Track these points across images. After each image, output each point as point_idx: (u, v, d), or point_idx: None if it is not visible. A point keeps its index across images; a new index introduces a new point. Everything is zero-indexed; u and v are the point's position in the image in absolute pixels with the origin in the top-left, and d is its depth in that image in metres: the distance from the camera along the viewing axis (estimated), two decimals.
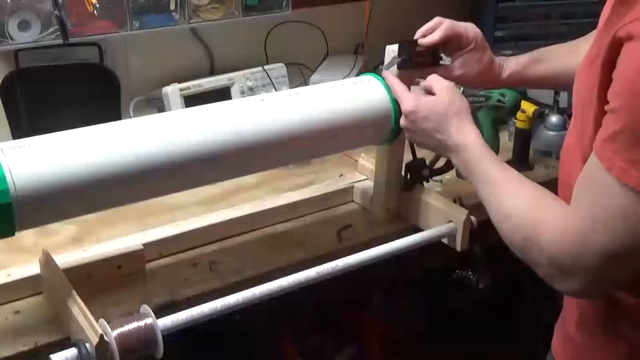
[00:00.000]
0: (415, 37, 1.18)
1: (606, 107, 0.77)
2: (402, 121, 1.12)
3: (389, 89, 1.18)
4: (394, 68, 1.18)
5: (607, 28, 0.81)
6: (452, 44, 1.17)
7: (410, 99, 1.10)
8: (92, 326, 0.88)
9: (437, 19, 1.17)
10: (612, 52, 0.77)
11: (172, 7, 1.60)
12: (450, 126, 1.05)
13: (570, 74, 1.13)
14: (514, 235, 0.90)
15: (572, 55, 1.15)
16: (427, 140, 1.09)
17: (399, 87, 1.14)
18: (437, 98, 1.08)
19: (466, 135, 1.03)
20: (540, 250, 0.84)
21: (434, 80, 1.10)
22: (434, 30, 1.16)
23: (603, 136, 0.77)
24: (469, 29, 1.16)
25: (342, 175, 1.46)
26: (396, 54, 1.17)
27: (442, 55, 1.21)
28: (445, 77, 1.18)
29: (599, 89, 0.79)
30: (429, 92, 1.10)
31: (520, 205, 0.90)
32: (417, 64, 1.17)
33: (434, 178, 1.35)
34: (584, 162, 0.82)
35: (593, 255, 0.78)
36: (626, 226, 0.75)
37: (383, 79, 1.19)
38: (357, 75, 1.59)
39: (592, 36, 1.11)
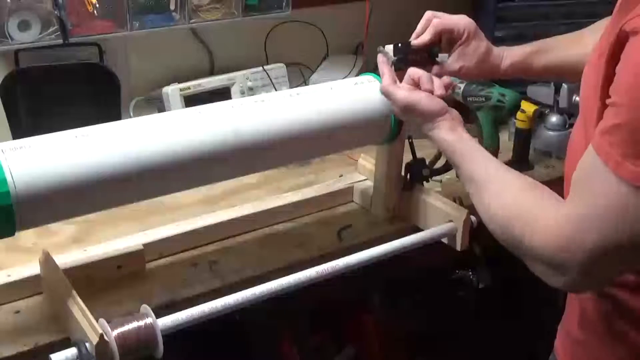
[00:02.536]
0: (410, 40, 1.18)
1: (607, 101, 0.77)
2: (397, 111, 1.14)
3: None
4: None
5: (615, 23, 0.81)
6: (445, 39, 1.16)
7: (402, 92, 1.11)
8: (92, 326, 0.88)
9: (428, 15, 1.17)
10: (617, 46, 0.77)
11: (172, 7, 1.60)
12: (424, 130, 1.08)
13: (572, 65, 1.13)
14: (502, 234, 0.89)
15: (575, 46, 1.14)
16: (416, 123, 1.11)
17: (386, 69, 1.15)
18: (399, 113, 1.11)
19: (437, 137, 1.05)
20: (530, 247, 0.83)
21: (392, 98, 1.12)
22: (425, 28, 1.16)
23: (601, 128, 0.76)
24: (460, 21, 1.16)
25: (342, 175, 1.46)
26: (391, 53, 1.17)
27: (439, 54, 1.20)
28: (444, 74, 1.18)
29: (603, 84, 0.79)
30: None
31: (507, 203, 0.89)
32: (413, 63, 1.16)
33: (434, 178, 1.35)
34: None
35: (589, 249, 0.77)
36: (620, 220, 0.75)
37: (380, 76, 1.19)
38: (357, 75, 1.59)
39: (597, 27, 1.11)
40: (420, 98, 1.08)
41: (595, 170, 0.77)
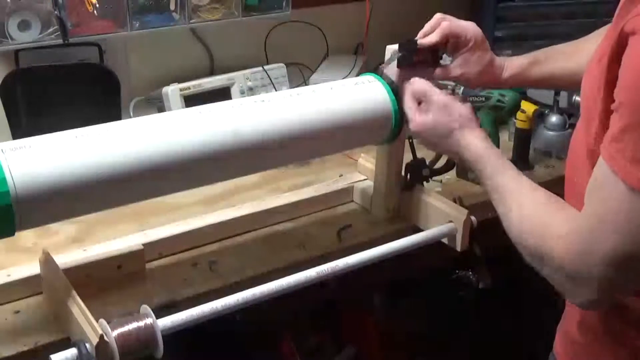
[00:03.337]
0: (416, 38, 1.18)
1: (612, 106, 0.77)
2: (416, 137, 1.14)
3: (389, 89, 1.18)
4: (394, 64, 1.18)
5: (616, 24, 0.81)
6: (451, 43, 1.17)
7: (413, 119, 1.11)
8: (92, 326, 0.88)
9: (437, 17, 1.17)
10: (618, 48, 0.77)
11: (172, 7, 1.60)
12: (454, 140, 1.06)
13: (570, 76, 1.14)
14: (525, 247, 0.89)
15: (573, 57, 1.15)
16: (445, 151, 1.11)
17: (406, 105, 1.14)
18: (435, 115, 1.09)
19: (471, 144, 1.04)
20: (551, 259, 0.83)
21: (428, 99, 1.11)
22: (433, 29, 1.16)
23: (609, 136, 0.76)
24: (469, 28, 1.16)
25: (342, 175, 1.46)
26: (396, 51, 1.17)
27: (443, 55, 1.21)
28: (445, 77, 1.18)
29: (605, 85, 0.79)
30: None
31: (530, 215, 0.90)
32: (417, 63, 1.17)
33: (434, 178, 1.35)
34: (589, 158, 0.82)
35: (602, 259, 0.77)
36: (633, 228, 0.75)
37: (383, 78, 1.19)
38: (358, 75, 1.59)
39: (595, 36, 1.12)
40: (454, 100, 1.09)
41: (605, 179, 0.76)
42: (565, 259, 0.81)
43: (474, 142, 1.04)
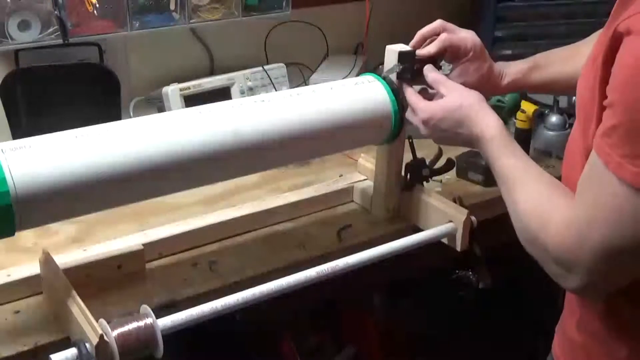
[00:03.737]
0: (415, 39, 1.18)
1: (605, 102, 0.78)
2: (423, 130, 1.13)
3: (389, 89, 1.18)
4: (394, 76, 1.18)
5: (609, 26, 0.82)
6: (450, 52, 1.17)
7: (423, 107, 1.11)
8: (92, 326, 0.88)
9: (438, 25, 1.17)
10: (612, 48, 0.78)
11: (172, 7, 1.60)
12: (467, 119, 1.06)
13: (567, 81, 1.15)
14: (523, 233, 0.90)
15: (570, 61, 1.15)
16: (453, 139, 1.10)
17: (412, 96, 1.15)
18: (448, 97, 1.09)
19: (483, 128, 1.04)
20: (545, 247, 0.85)
21: (441, 84, 1.12)
22: (432, 34, 1.17)
23: (601, 131, 0.78)
24: (468, 39, 1.16)
25: (342, 175, 1.46)
26: (396, 59, 1.17)
27: (442, 62, 1.21)
28: None
29: (600, 85, 0.80)
30: (440, 95, 1.12)
31: (530, 202, 0.91)
32: (418, 72, 1.17)
33: (434, 178, 1.35)
34: (586, 158, 0.82)
35: (593, 251, 0.79)
36: (622, 221, 0.76)
37: (384, 79, 1.19)
38: (358, 75, 1.59)
39: (593, 38, 1.12)
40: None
41: (597, 172, 0.78)
42: (559, 250, 0.83)
43: (485, 121, 1.04)
